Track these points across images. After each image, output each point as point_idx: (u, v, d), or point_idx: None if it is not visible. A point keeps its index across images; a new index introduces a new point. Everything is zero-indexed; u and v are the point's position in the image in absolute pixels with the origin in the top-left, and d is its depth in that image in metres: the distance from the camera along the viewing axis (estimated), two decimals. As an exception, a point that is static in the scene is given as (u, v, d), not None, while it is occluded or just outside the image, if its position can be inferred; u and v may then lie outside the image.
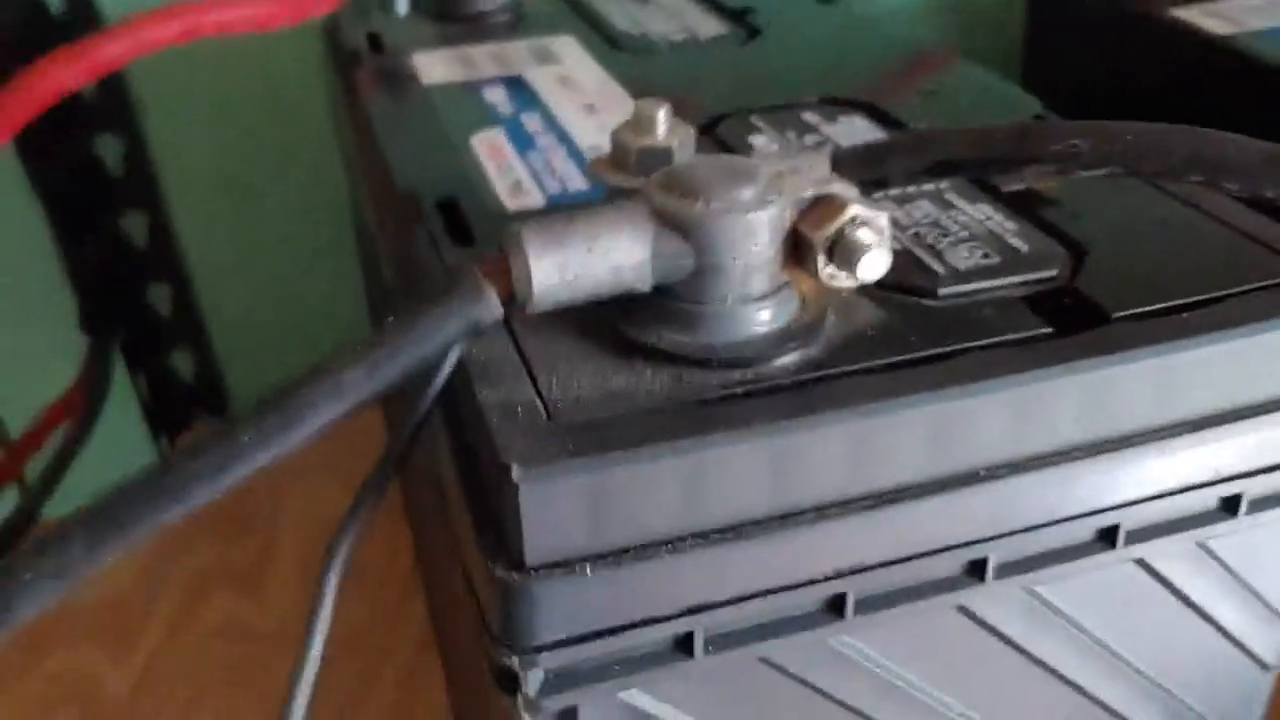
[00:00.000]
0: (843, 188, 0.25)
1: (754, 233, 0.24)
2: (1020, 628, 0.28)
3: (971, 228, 0.30)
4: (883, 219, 0.24)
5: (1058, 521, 0.26)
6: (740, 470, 0.23)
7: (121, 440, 0.69)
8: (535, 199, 0.32)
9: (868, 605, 0.25)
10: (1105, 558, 0.27)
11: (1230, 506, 0.28)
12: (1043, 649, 0.29)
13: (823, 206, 0.24)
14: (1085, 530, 0.27)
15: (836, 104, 0.39)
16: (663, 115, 0.27)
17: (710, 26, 0.48)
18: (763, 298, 0.25)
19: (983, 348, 0.25)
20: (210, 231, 0.69)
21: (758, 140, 0.36)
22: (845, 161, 0.27)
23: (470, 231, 0.31)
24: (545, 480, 0.22)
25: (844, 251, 0.24)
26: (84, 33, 0.61)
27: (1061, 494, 0.26)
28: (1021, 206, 0.31)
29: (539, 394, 0.24)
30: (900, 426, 0.24)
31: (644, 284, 0.24)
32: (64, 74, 0.40)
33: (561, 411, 0.23)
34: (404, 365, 0.23)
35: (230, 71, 0.65)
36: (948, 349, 0.25)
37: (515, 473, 0.22)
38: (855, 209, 0.24)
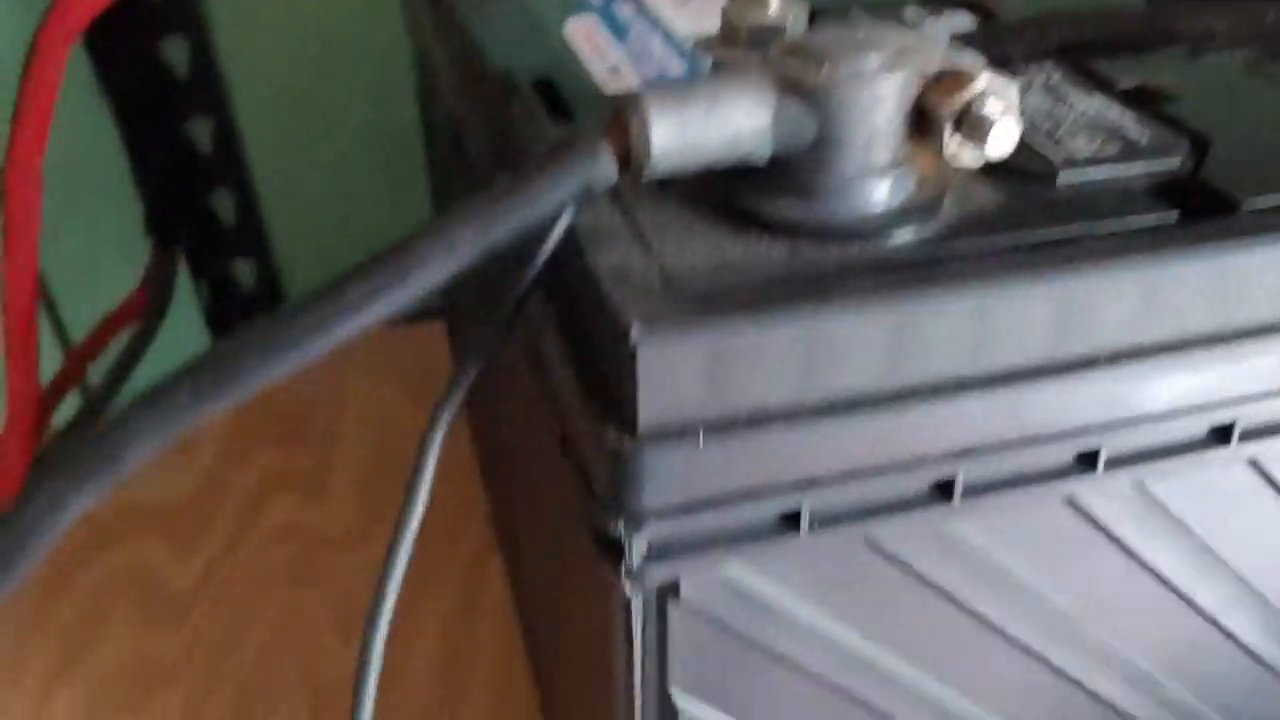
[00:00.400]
0: (971, 59, 0.24)
1: (880, 101, 0.23)
2: (1126, 524, 0.27)
3: (1089, 117, 0.29)
4: (1013, 91, 0.23)
5: (1173, 414, 0.26)
6: (856, 344, 0.23)
7: (183, 347, 0.70)
8: (634, 82, 0.32)
9: (976, 490, 0.25)
10: (1218, 454, 0.26)
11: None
12: (1145, 547, 0.28)
13: (951, 78, 0.24)
14: (1200, 425, 0.26)
15: (939, 1, 0.38)
16: (775, -9, 0.27)
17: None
18: (883, 171, 0.24)
19: (1106, 233, 0.25)
20: (275, 139, 0.69)
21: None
22: (966, 40, 0.26)
23: (569, 109, 0.30)
24: (663, 343, 0.21)
25: (972, 124, 0.23)
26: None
27: (1179, 385, 0.25)
28: (1139, 100, 0.30)
29: (654, 261, 0.23)
30: (1020, 307, 0.23)
31: (763, 151, 0.24)
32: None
33: (677, 279, 0.23)
34: (517, 224, 0.22)
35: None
36: (1069, 233, 0.25)
37: (634, 332, 0.21)
38: (985, 80, 0.23)
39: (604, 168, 0.23)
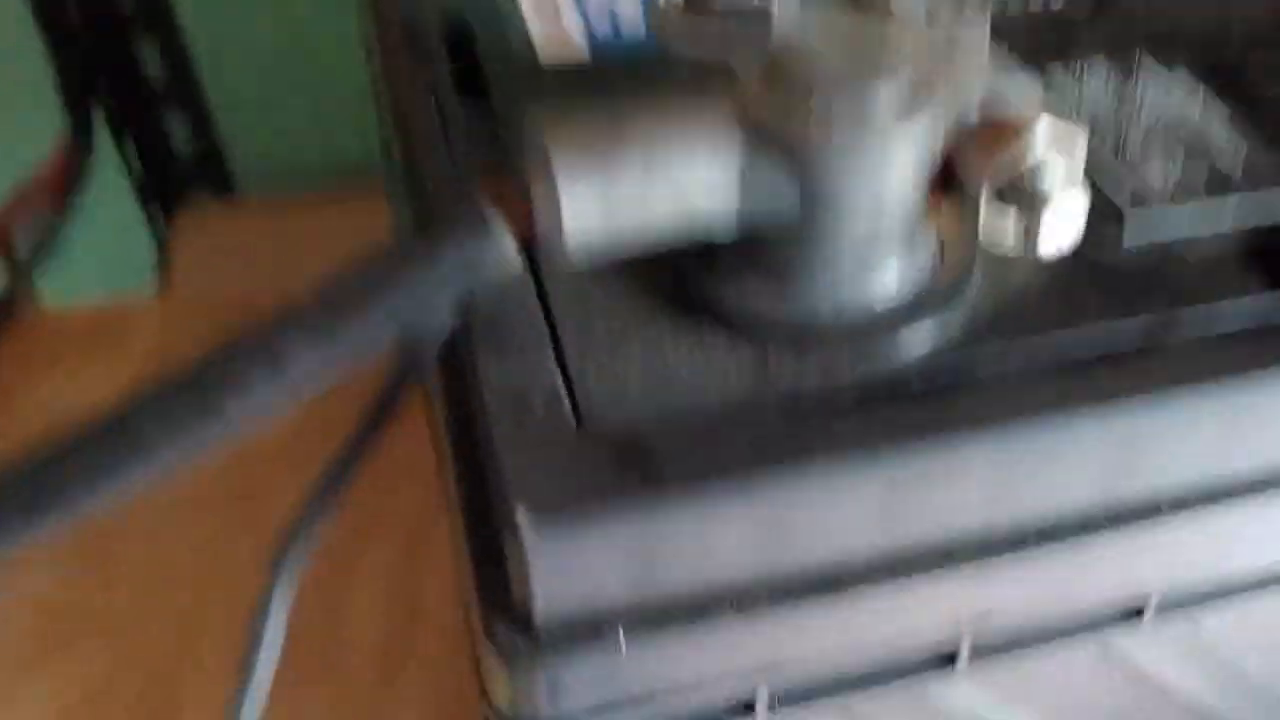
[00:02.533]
0: (1023, 93, 0.17)
1: (892, 157, 0.16)
2: (1169, 668, 0.22)
3: (1177, 129, 0.22)
4: (1079, 143, 0.16)
5: (1241, 554, 0.20)
6: (842, 507, 0.17)
7: (114, 216, 0.63)
8: (577, 42, 0.24)
9: (987, 653, 0.19)
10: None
11: None
12: (1186, 687, 0.23)
13: (994, 130, 0.16)
14: (1267, 559, 0.20)
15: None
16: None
17: None
18: (890, 252, 0.17)
19: (1183, 339, 0.18)
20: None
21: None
22: (1016, 30, 0.19)
23: (482, 80, 0.23)
24: (567, 529, 0.15)
25: (1022, 200, 0.16)
26: None
27: (1258, 526, 0.19)
28: (1247, 107, 0.23)
29: (566, 379, 0.17)
30: (1065, 447, 0.17)
31: (725, 226, 0.17)
32: None
33: (597, 407, 0.17)
34: (361, 341, 0.16)
35: None
36: (1134, 337, 0.18)
37: (523, 518, 0.15)
38: (1044, 134, 0.16)
39: (497, 253, 0.16)
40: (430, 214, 0.17)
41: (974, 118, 0.17)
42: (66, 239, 0.61)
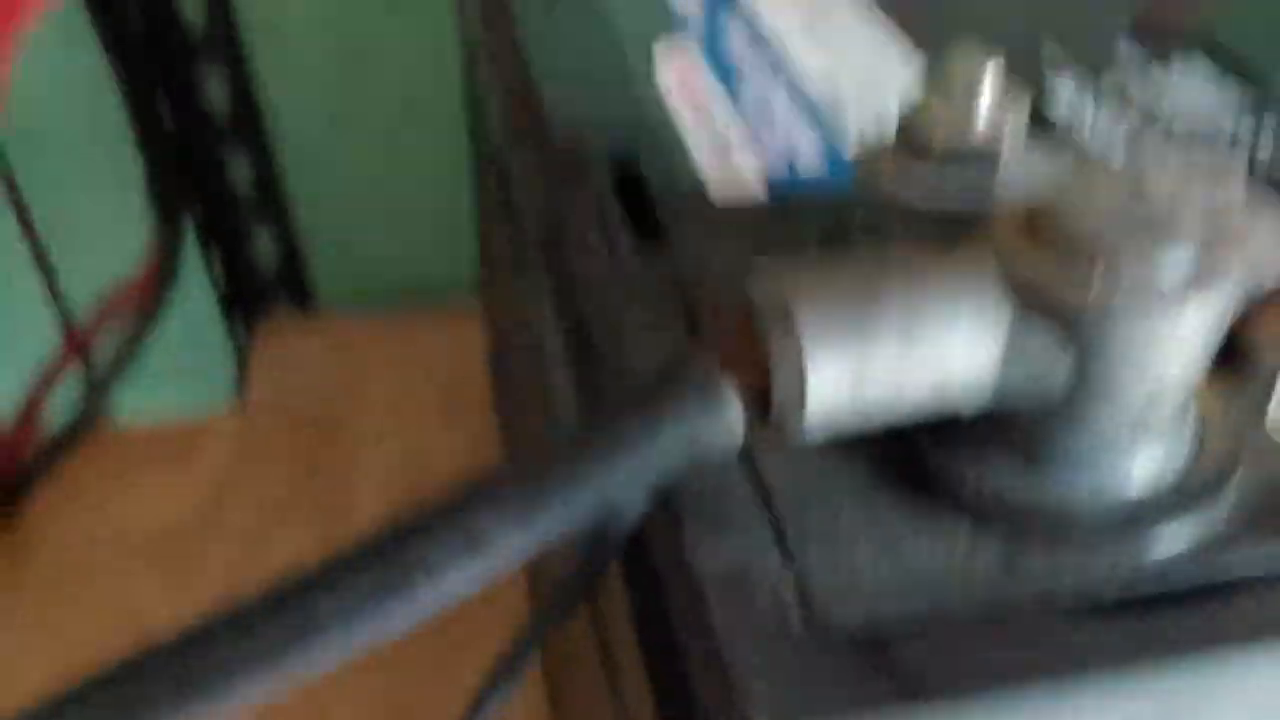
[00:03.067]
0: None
1: (1181, 330, 0.14)
2: None
3: None
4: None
5: None
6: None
7: (195, 327, 0.62)
8: (752, 177, 0.23)
9: None
10: None
11: None
12: None
13: (1293, 301, 0.14)
14: None
15: (1152, 30, 0.28)
16: (989, 83, 0.18)
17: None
18: (1162, 434, 0.15)
19: None
20: (298, 96, 0.60)
21: (1064, 93, 0.25)
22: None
23: (657, 219, 0.21)
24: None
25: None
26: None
27: None
28: None
29: (791, 571, 0.15)
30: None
31: (979, 401, 0.15)
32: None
33: (828, 605, 0.14)
34: (572, 516, 0.14)
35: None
36: None
37: (764, 737, 0.13)
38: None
39: (726, 425, 0.14)
40: (636, 376, 0.16)
41: (1265, 288, 0.15)
42: (147, 351, 0.61)
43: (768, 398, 0.14)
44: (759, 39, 0.27)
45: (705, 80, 0.26)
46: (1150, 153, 0.23)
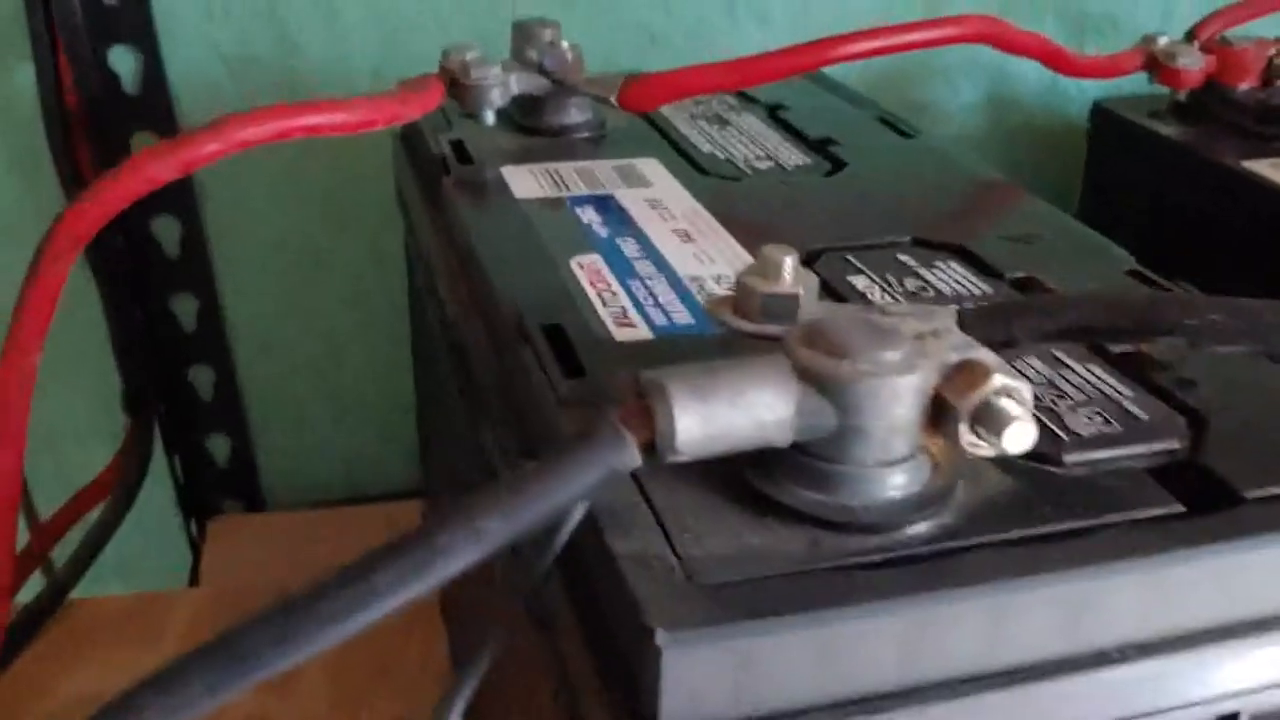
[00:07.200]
0: (985, 354, 0.25)
1: (899, 397, 0.24)
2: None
3: (1087, 391, 0.30)
4: (1026, 390, 0.24)
5: (1180, 707, 0.26)
6: (874, 643, 0.23)
7: (151, 522, 0.68)
8: (642, 330, 0.32)
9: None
10: (1225, 745, 0.26)
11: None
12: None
13: (966, 373, 0.24)
14: (1205, 716, 0.26)
15: (930, 246, 0.39)
16: (790, 264, 0.27)
17: (793, 155, 0.48)
18: (901, 461, 0.25)
19: (1115, 524, 0.25)
20: (256, 312, 0.69)
21: (858, 281, 0.36)
22: (974, 320, 0.27)
23: (580, 362, 0.31)
24: (689, 645, 0.21)
25: (989, 421, 0.24)
26: (157, 109, 0.62)
27: (1187, 678, 0.25)
28: (1132, 369, 0.31)
29: (673, 549, 0.23)
30: (1034, 604, 0.23)
31: (784, 440, 0.24)
32: (157, 168, 0.40)
33: (697, 570, 0.23)
34: (542, 512, 0.22)
35: (292, 163, 0.65)
36: (1079, 524, 0.25)
37: (659, 636, 0.21)
38: (1000, 378, 0.24)
39: (628, 456, 0.23)
40: (567, 439, 0.24)
41: (950, 366, 0.24)
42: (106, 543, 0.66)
43: (652, 440, 0.23)
44: (646, 248, 0.38)
45: (607, 274, 0.36)
46: (892, 305, 0.34)
